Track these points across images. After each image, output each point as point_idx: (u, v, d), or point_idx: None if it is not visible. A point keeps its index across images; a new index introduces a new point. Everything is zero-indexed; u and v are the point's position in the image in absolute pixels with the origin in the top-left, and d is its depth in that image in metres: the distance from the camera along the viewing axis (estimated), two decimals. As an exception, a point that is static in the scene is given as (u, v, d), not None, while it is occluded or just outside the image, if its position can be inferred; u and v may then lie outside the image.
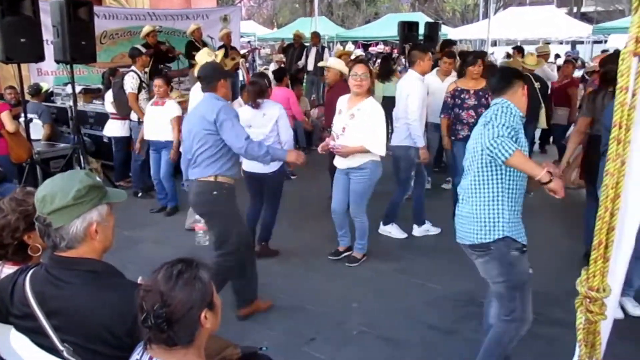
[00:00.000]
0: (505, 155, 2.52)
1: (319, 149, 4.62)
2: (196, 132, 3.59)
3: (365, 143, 4.31)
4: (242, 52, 11.56)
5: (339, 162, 4.55)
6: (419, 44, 7.46)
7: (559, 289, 4.13)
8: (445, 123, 5.61)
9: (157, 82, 6.08)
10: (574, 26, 17.77)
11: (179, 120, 5.79)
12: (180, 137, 5.25)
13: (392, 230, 5.43)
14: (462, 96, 5.46)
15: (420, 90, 5.03)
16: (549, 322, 3.72)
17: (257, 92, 4.43)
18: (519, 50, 10.28)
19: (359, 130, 4.30)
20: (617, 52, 5.32)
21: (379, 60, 12.57)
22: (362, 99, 4.33)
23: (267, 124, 4.43)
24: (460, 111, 5.43)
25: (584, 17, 26.04)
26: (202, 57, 5.80)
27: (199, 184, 3.63)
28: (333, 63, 6.08)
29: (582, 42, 20.94)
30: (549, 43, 23.33)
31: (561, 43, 22.70)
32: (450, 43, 9.61)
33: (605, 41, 18.71)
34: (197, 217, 4.49)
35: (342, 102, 4.49)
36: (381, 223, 5.46)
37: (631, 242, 1.33)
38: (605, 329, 1.35)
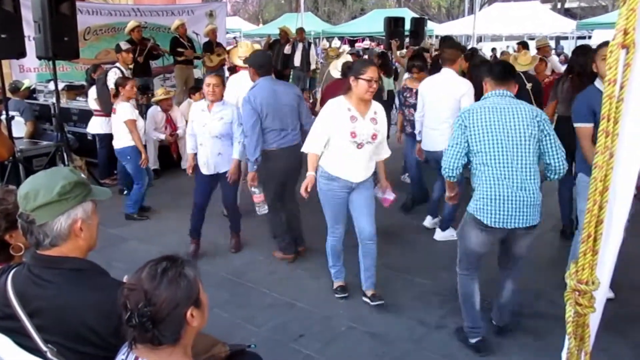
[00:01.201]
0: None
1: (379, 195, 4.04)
2: (292, 106, 4.46)
3: (388, 151, 3.99)
4: (228, 48, 11.50)
5: (355, 176, 3.79)
6: (455, 43, 6.98)
7: (544, 282, 4.17)
8: (399, 119, 5.98)
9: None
10: (558, 22, 17.94)
11: (134, 123, 5.62)
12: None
13: (453, 234, 4.84)
14: (405, 94, 5.71)
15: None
16: (534, 315, 3.75)
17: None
18: (523, 45, 10.27)
19: (383, 135, 3.86)
20: (581, 46, 5.67)
21: (365, 56, 12.58)
22: (371, 101, 3.81)
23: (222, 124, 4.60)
24: (404, 109, 5.70)
25: (568, 13, 26.26)
26: (245, 49, 5.83)
27: (296, 148, 4.35)
28: (333, 72, 6.14)
29: (566, 38, 21.10)
30: (533, 39, 23.47)
31: (532, 39, 22.87)
32: (449, 39, 9.46)
33: (590, 37, 18.88)
34: (254, 189, 4.58)
35: (346, 106, 3.71)
36: (438, 230, 5.22)
37: (619, 234, 1.33)
38: (594, 321, 1.35)
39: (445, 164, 3.18)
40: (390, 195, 4.02)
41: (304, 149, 3.89)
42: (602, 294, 1.35)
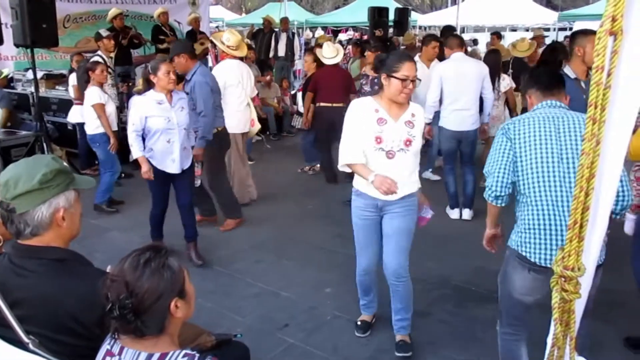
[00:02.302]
0: None
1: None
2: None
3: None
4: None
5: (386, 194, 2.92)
6: (455, 34, 7.00)
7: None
8: None
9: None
10: (540, 13, 18.04)
11: (102, 107, 5.52)
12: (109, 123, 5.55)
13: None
14: (361, 81, 5.79)
15: None
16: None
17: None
18: (498, 36, 10.32)
19: (420, 142, 3.11)
20: (551, 44, 6.06)
21: (349, 46, 12.56)
22: (408, 103, 3.13)
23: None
24: (361, 95, 5.61)
25: (550, 5, 26.43)
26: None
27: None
28: (326, 60, 6.50)
29: (548, 29, 21.27)
30: (515, 30, 23.58)
31: (527, 30, 23.01)
32: (452, 28, 9.11)
33: (571, 28, 19.05)
34: (197, 164, 4.71)
35: (372, 107, 3.04)
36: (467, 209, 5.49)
37: (605, 221, 1.34)
38: (579, 307, 1.36)
39: (492, 182, 2.48)
40: (427, 213, 3.36)
41: (341, 166, 3.13)
42: (588, 280, 1.36)
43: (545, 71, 2.89)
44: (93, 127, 5.58)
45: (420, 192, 3.24)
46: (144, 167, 4.18)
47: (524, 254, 2.40)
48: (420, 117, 3.10)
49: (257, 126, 6.07)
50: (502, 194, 2.47)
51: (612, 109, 1.21)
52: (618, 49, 1.18)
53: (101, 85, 5.70)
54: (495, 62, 6.06)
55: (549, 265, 2.30)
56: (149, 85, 4.20)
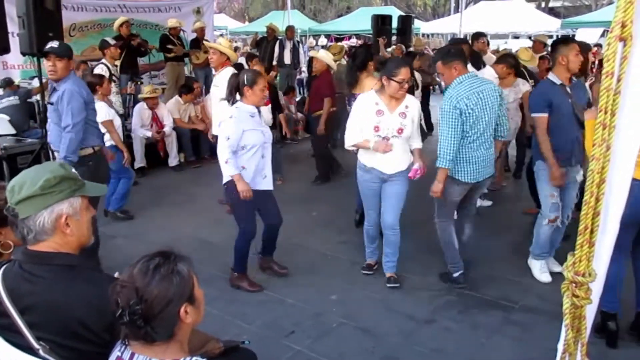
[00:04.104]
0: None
1: (413, 175, 3.96)
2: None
3: (419, 143, 4.07)
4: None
5: (388, 167, 3.93)
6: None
7: (532, 276, 4.21)
8: None
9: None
10: (543, 20, 18.08)
11: (111, 124, 5.54)
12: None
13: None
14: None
15: None
16: (524, 309, 3.78)
17: None
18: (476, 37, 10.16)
19: (412, 129, 3.91)
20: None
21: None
22: (405, 95, 3.90)
23: None
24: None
25: (552, 12, 26.47)
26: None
27: None
28: (322, 55, 6.76)
29: (551, 37, 21.31)
30: (517, 37, 23.59)
31: (530, 37, 23.04)
32: (481, 35, 8.43)
33: (574, 35, 19.06)
34: None
35: (373, 100, 3.89)
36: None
37: (615, 226, 1.34)
38: (590, 313, 1.36)
39: (447, 151, 3.69)
40: (414, 166, 3.96)
41: (347, 146, 4.07)
42: (599, 286, 1.36)
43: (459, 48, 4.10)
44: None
45: (419, 157, 4.01)
46: (243, 186, 3.81)
47: (456, 177, 3.80)
48: (412, 109, 3.91)
49: None
50: (452, 157, 3.69)
51: (621, 114, 1.21)
52: (628, 55, 1.18)
53: (107, 95, 5.74)
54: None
55: (471, 182, 3.82)
56: (232, 94, 3.98)
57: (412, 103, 3.94)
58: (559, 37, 18.82)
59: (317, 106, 6.69)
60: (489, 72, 5.71)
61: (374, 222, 4.22)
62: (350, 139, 3.98)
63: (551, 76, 3.99)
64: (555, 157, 3.90)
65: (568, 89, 3.93)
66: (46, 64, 4.01)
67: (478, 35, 8.09)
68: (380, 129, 3.82)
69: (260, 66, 6.98)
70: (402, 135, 3.85)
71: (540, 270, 4.20)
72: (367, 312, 3.81)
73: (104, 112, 5.54)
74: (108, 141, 5.53)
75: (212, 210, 5.89)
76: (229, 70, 5.37)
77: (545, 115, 3.90)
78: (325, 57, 6.72)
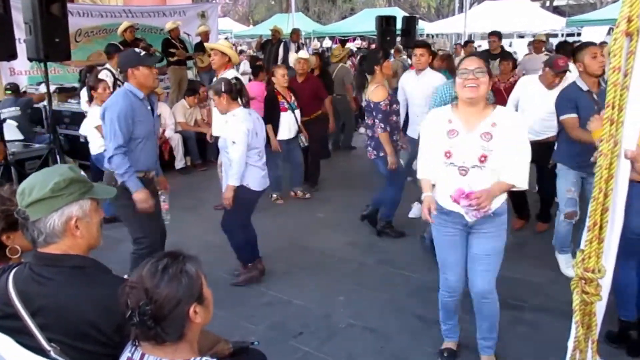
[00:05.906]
0: None
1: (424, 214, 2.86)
2: None
3: (510, 176, 2.70)
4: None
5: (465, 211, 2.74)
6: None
7: (541, 276, 4.19)
8: None
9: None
10: (548, 19, 18.02)
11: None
12: None
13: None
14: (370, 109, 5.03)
15: None
16: (532, 308, 3.78)
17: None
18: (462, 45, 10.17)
19: (502, 156, 2.66)
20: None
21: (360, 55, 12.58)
22: (485, 108, 2.73)
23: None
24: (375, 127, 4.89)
25: (556, 11, 26.39)
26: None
27: None
28: (302, 54, 6.97)
29: (556, 35, 21.23)
30: (522, 36, 23.51)
31: (534, 36, 22.98)
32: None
33: (579, 34, 18.99)
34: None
35: (446, 117, 2.80)
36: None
37: (621, 221, 1.33)
38: (600, 310, 1.35)
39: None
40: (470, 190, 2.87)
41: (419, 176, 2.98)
42: (608, 282, 1.35)
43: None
44: (96, 146, 5.53)
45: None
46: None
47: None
48: (504, 126, 2.66)
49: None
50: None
51: (628, 109, 1.20)
52: (634, 49, 1.18)
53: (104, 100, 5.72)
54: None
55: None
56: (232, 97, 3.95)
57: (504, 119, 2.70)
58: (564, 35, 18.77)
59: (312, 109, 6.65)
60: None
61: (453, 289, 3.02)
62: (421, 170, 2.94)
63: (578, 81, 3.93)
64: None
65: (595, 96, 3.83)
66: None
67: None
68: (451, 156, 2.71)
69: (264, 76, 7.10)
70: (485, 165, 2.66)
71: (566, 264, 4.23)
72: (375, 312, 3.80)
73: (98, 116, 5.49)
74: (102, 147, 5.49)
75: (219, 213, 5.89)
76: (231, 73, 5.37)
77: (574, 115, 3.80)
78: (304, 55, 7.00)
